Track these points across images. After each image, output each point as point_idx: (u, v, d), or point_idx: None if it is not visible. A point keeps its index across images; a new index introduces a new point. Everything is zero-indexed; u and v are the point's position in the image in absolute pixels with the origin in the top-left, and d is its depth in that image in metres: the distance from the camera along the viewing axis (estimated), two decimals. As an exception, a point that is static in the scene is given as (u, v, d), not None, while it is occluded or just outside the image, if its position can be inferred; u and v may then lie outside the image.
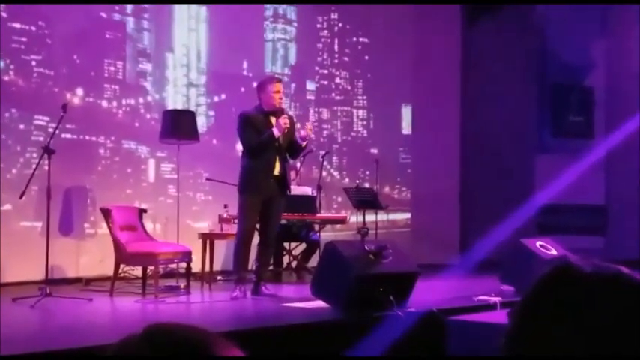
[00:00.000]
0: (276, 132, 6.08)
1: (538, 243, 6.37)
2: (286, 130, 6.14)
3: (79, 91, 7.67)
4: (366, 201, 8.03)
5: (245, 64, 9.01)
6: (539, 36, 10.67)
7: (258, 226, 6.37)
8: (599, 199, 10.38)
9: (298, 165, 8.19)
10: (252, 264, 6.48)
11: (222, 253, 7.83)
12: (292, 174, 8.14)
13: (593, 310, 0.91)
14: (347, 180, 9.66)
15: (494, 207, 9.35)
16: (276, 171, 6.20)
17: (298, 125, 6.49)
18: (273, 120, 6.16)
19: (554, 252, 6.30)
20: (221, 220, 7.28)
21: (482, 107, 10.55)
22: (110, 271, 6.43)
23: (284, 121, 6.09)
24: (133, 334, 0.90)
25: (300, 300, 5.83)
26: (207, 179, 8.13)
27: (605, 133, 10.21)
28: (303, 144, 6.23)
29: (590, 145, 10.37)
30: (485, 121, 10.53)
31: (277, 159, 6.20)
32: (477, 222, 9.86)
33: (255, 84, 6.64)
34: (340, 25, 9.92)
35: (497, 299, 5.47)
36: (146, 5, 8.19)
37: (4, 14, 7.13)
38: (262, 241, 6.34)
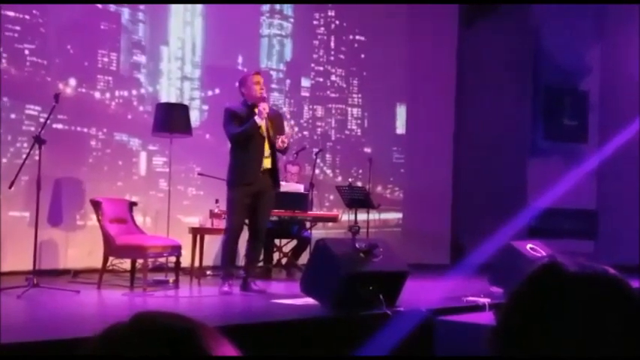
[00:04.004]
0: (257, 119, 6.08)
1: (528, 246, 6.37)
2: (266, 115, 6.12)
3: (72, 82, 7.63)
4: (358, 200, 8.01)
5: (240, 59, 8.97)
6: (534, 38, 10.66)
7: (247, 221, 6.34)
8: (591, 203, 10.39)
9: (290, 166, 8.18)
10: (241, 259, 6.44)
11: (213, 248, 7.80)
12: (295, 170, 8.13)
13: (578, 308, 0.92)
14: (340, 178, 9.64)
15: (486, 208, 9.35)
16: (267, 164, 6.19)
17: (288, 128, 6.43)
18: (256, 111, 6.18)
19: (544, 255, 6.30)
20: (212, 215, 7.26)
21: (477, 108, 10.53)
22: (99, 264, 6.40)
23: (263, 106, 6.11)
24: (121, 322, 0.88)
25: (290, 297, 5.80)
26: (199, 174, 8.09)
27: (599, 137, 10.21)
28: (282, 148, 6.19)
29: (584, 149, 10.39)
30: (479, 122, 10.52)
31: (267, 152, 6.19)
32: (469, 223, 9.87)
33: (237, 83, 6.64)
34: (337, 22, 9.89)
35: (486, 300, 5.46)
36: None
37: (-2, 2, 7.09)
38: (252, 236, 6.31)
